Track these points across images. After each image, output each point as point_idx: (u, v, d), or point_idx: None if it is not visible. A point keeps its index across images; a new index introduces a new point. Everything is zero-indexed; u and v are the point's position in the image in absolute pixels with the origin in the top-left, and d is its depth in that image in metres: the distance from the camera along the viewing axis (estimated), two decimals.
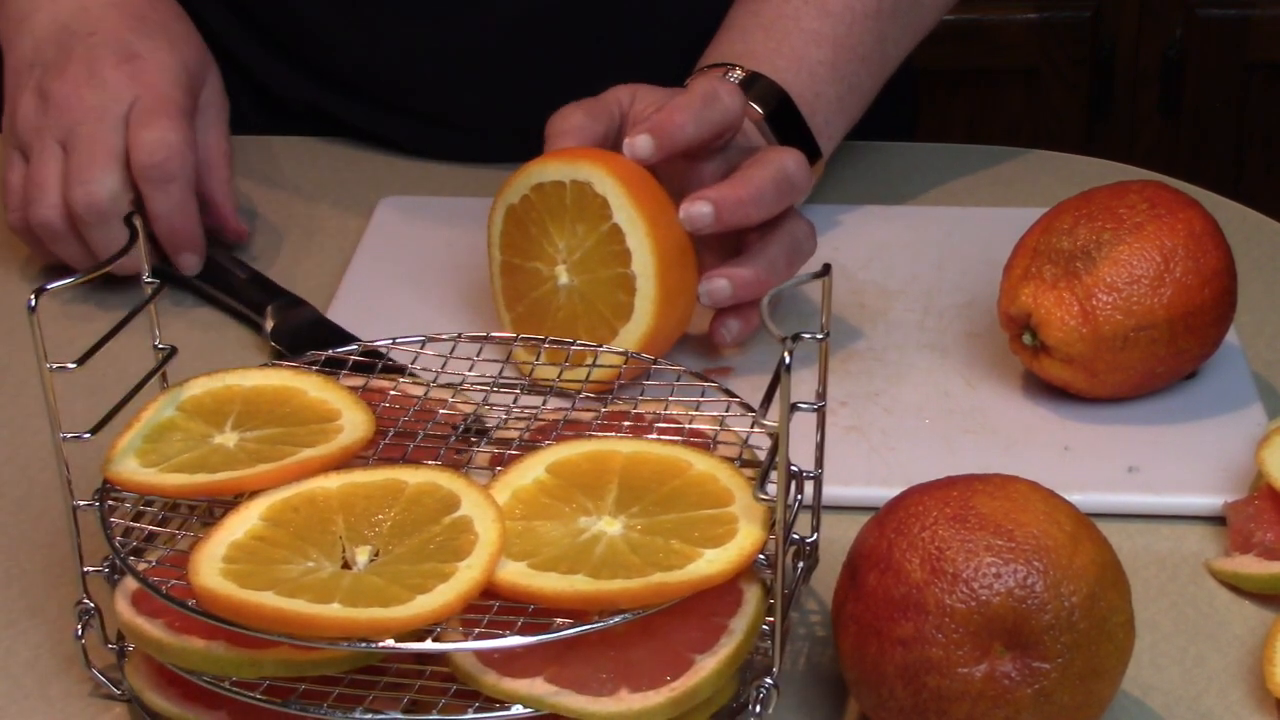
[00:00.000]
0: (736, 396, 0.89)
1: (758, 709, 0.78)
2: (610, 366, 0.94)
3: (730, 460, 0.83)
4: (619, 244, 0.97)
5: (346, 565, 0.76)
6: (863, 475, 0.95)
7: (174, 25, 1.16)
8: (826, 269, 0.80)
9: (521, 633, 0.74)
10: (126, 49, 1.12)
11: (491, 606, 0.75)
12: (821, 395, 0.82)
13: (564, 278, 0.99)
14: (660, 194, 0.99)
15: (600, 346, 0.94)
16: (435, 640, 0.74)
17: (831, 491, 0.89)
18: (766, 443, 0.80)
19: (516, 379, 0.92)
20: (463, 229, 1.18)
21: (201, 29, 1.19)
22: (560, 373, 0.93)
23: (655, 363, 0.93)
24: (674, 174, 1.02)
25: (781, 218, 1.02)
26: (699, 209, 0.98)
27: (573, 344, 0.95)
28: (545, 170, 0.99)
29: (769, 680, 0.78)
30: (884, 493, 0.82)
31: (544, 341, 0.94)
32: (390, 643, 0.73)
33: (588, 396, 0.90)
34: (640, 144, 0.99)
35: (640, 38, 1.25)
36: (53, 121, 1.09)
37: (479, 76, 1.25)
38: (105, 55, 1.11)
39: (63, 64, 1.11)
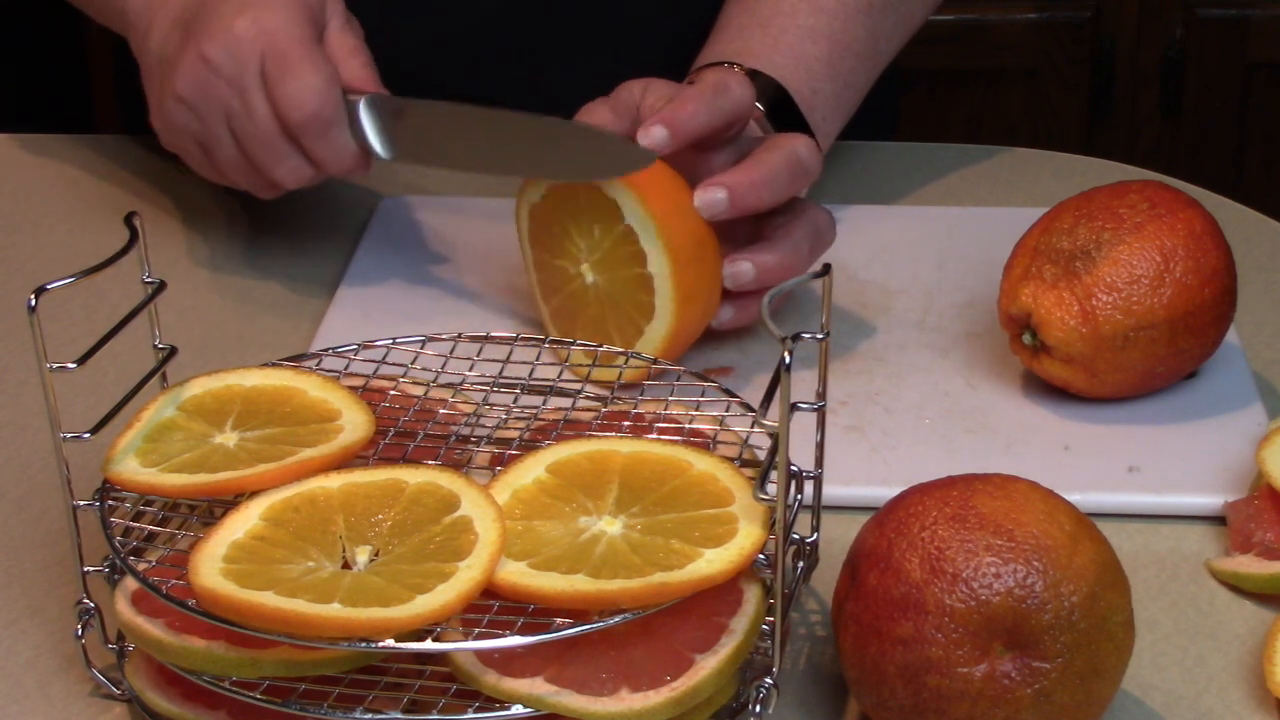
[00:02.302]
0: (737, 396, 0.89)
1: (758, 709, 0.78)
2: (611, 367, 0.94)
3: (730, 460, 0.83)
4: (634, 245, 0.97)
5: (347, 565, 0.76)
6: (863, 475, 0.95)
7: None
8: (826, 269, 0.81)
9: (521, 633, 0.74)
10: (239, 5, 1.06)
11: (491, 606, 0.75)
12: (821, 395, 0.82)
13: (590, 276, 1.00)
14: (674, 190, 0.99)
15: (600, 346, 0.94)
16: (435, 640, 0.74)
17: (831, 491, 0.89)
18: (766, 442, 0.80)
19: (516, 379, 0.92)
20: (463, 229, 1.18)
21: None
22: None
23: (655, 362, 0.93)
24: (684, 166, 1.02)
25: (802, 206, 1.03)
26: (713, 194, 0.99)
27: (573, 343, 0.95)
28: None
29: (769, 680, 0.78)
30: (884, 493, 0.82)
31: (544, 342, 0.94)
32: (390, 643, 0.73)
33: (587, 396, 0.90)
34: (655, 134, 1.00)
35: (625, 17, 1.26)
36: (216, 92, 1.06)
37: (467, 68, 1.25)
38: (223, 13, 1.06)
39: (200, 30, 1.07)
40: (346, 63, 1.08)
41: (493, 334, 0.94)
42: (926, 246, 1.16)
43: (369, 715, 0.74)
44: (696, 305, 0.99)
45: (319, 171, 1.08)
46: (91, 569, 0.82)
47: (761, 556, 0.77)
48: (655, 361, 0.93)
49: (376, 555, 0.76)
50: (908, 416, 1.00)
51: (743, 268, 1.00)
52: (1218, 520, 0.92)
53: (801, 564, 0.85)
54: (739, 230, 1.02)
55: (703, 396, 0.89)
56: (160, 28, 1.11)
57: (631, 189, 0.97)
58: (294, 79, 1.04)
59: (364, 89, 1.07)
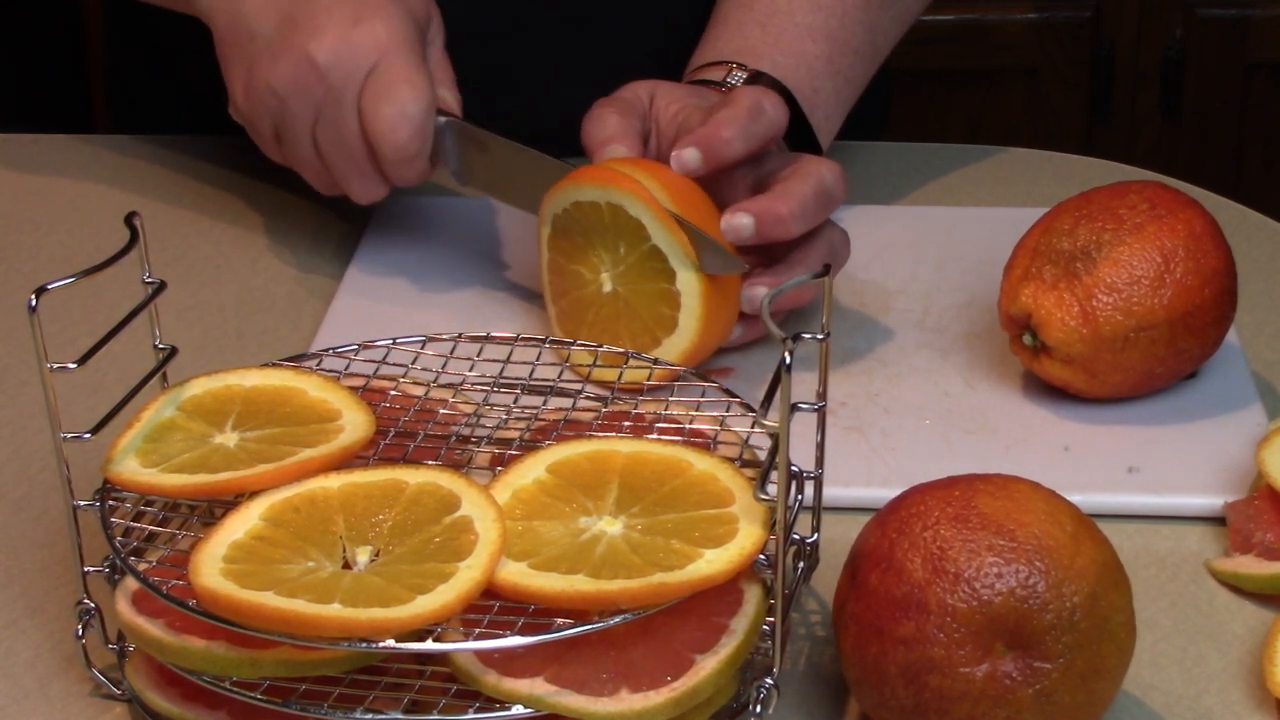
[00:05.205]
0: (737, 396, 0.89)
1: (758, 709, 0.78)
2: (610, 366, 0.94)
3: (731, 460, 0.83)
4: (661, 262, 0.97)
5: (347, 565, 0.76)
6: (863, 476, 0.95)
7: None
8: (827, 269, 0.81)
9: (522, 633, 0.74)
10: (355, 9, 1.04)
11: (492, 606, 0.75)
12: (822, 395, 0.82)
13: (609, 285, 1.00)
14: (700, 206, 0.99)
15: (601, 347, 0.94)
16: (435, 640, 0.74)
17: (832, 492, 0.89)
18: (767, 443, 0.80)
19: (516, 379, 0.92)
20: (462, 229, 1.18)
21: (200, 31, 1.19)
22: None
23: (656, 363, 0.93)
24: (706, 178, 1.02)
25: (819, 226, 1.02)
26: (741, 221, 0.99)
27: (573, 344, 0.95)
28: (581, 190, 0.99)
29: (769, 680, 0.78)
30: (884, 493, 0.82)
31: (545, 342, 0.94)
32: (390, 643, 0.73)
33: (588, 396, 0.91)
34: (688, 157, 1.00)
35: (621, 22, 1.25)
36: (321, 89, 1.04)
37: (464, 71, 1.25)
38: (336, 15, 1.04)
39: (311, 25, 1.04)
40: (441, 88, 1.07)
41: (493, 334, 0.94)
42: (926, 247, 1.16)
43: (369, 715, 0.74)
44: (718, 323, 0.99)
45: (388, 185, 1.08)
46: (92, 569, 0.82)
47: (762, 557, 0.77)
48: (656, 362, 0.93)
49: (377, 555, 0.76)
50: (908, 417, 1.00)
51: (761, 291, 1.00)
52: (1218, 520, 0.92)
53: (802, 564, 0.85)
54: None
55: (703, 397, 0.89)
56: None
57: (655, 213, 0.97)
58: (395, 104, 1.02)
59: (451, 112, 1.07)
